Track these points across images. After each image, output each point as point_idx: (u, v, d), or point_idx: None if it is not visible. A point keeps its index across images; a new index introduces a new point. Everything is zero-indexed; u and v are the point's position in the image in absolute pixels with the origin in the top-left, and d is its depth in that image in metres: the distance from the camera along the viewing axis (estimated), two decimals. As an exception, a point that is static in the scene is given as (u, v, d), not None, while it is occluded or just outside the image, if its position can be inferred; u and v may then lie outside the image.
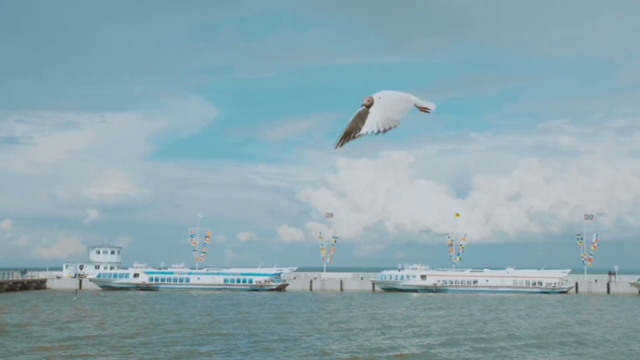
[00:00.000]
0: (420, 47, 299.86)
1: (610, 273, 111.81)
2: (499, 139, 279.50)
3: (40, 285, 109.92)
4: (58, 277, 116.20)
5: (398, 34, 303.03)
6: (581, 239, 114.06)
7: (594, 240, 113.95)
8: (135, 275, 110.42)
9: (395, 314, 60.08)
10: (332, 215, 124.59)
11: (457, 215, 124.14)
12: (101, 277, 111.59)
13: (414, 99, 10.54)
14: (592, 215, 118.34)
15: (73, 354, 32.22)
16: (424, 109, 10.74)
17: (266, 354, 32.84)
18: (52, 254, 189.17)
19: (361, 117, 10.46)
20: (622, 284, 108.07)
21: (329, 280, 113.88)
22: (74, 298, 79.95)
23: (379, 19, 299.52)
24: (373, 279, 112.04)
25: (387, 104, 10.08)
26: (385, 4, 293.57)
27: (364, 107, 10.20)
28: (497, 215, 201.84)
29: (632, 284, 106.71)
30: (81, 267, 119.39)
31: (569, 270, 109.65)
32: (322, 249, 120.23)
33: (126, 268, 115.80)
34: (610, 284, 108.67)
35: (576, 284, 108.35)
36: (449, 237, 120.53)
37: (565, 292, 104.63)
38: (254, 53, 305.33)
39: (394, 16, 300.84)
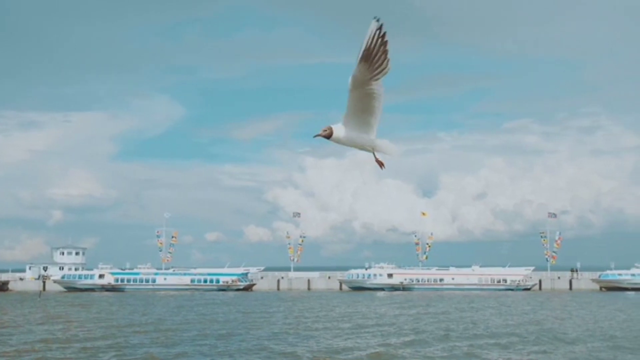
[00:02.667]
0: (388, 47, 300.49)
1: (572, 270, 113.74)
2: (465, 139, 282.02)
3: (2, 287, 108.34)
4: (21, 279, 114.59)
5: (366, 33, 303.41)
6: (545, 237, 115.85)
7: (557, 238, 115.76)
8: (101, 276, 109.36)
9: (361, 312, 60.39)
10: (299, 214, 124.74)
11: (424, 214, 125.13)
12: (65, 279, 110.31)
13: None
14: (556, 214, 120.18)
15: (40, 358, 31.91)
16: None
17: (233, 355, 32.86)
18: (15, 256, 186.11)
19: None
20: (584, 280, 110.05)
21: (296, 279, 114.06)
22: (38, 300, 79.01)
23: (347, 18, 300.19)
24: (340, 278, 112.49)
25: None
26: (353, 3, 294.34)
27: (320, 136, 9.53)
28: (463, 213, 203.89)
29: (594, 281, 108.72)
30: (45, 269, 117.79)
31: (532, 268, 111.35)
32: (289, 248, 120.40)
33: (91, 269, 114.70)
34: (573, 280, 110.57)
35: (540, 281, 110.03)
36: (415, 236, 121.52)
37: (529, 289, 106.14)
38: (221, 52, 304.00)
39: (362, 15, 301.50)
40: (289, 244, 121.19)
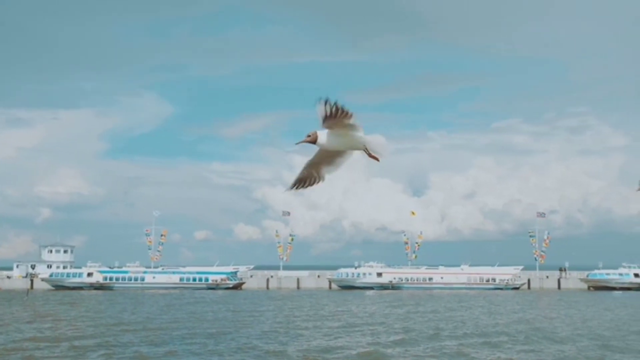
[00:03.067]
0: (377, 46, 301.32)
1: (561, 269, 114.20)
2: (455, 138, 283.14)
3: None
4: (8, 277, 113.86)
5: (356, 32, 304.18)
6: (533, 236, 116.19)
7: (545, 237, 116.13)
8: (89, 274, 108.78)
9: (351, 311, 60.41)
10: (288, 213, 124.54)
11: (413, 213, 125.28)
12: (53, 277, 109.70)
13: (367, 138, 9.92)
14: (544, 213, 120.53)
15: (28, 357, 31.73)
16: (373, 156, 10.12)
17: (223, 354, 32.81)
18: (2, 254, 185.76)
19: (317, 161, 10.04)
20: (572, 279, 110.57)
21: (285, 278, 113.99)
22: (25, 298, 78.63)
23: (337, 17, 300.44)
24: (330, 277, 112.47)
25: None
26: (344, 2, 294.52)
27: (308, 142, 9.61)
28: (452, 213, 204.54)
29: (582, 280, 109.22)
30: (33, 267, 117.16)
31: (521, 267, 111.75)
32: (278, 247, 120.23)
33: (79, 267, 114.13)
34: (561, 280, 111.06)
35: (528, 280, 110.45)
36: (404, 235, 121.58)
37: (517, 288, 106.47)
38: (210, 50, 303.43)
39: (351, 14, 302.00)
40: (279, 242, 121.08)
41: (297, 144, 9.67)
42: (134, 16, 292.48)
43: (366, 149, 9.77)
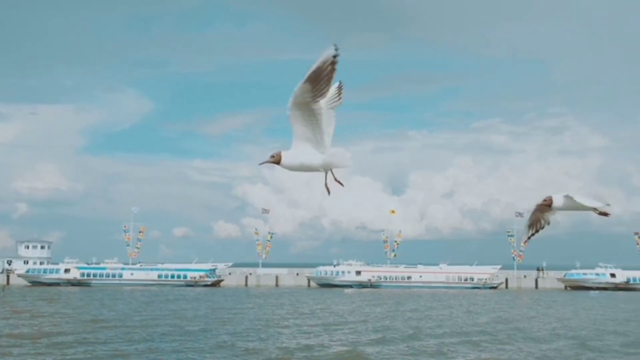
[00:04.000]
0: (358, 44, 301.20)
1: (538, 269, 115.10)
2: (435, 137, 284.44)
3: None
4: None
5: (336, 30, 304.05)
6: (512, 235, 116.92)
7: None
8: (66, 270, 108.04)
9: (329, 309, 60.44)
10: (268, 211, 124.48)
11: (393, 212, 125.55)
12: (30, 273, 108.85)
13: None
14: (523, 213, 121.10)
15: (5, 353, 31.41)
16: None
17: (202, 352, 32.70)
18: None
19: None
20: (550, 279, 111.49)
21: (264, 276, 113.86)
22: (1, 294, 77.87)
23: (319, 15, 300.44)
24: (308, 275, 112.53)
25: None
26: (325, 1, 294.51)
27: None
28: (432, 212, 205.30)
29: (559, 280, 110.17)
30: (9, 263, 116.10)
31: (499, 266, 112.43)
32: (257, 244, 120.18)
33: (57, 263, 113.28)
34: (539, 279, 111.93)
35: (506, 280, 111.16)
36: (384, 234, 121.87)
37: (495, 288, 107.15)
38: (191, 47, 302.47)
39: (333, 12, 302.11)
40: (258, 240, 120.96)
41: (260, 164, 9.63)
42: (114, 11, 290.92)
43: (329, 171, 9.65)
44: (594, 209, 10.53)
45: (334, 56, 8.19)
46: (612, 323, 50.27)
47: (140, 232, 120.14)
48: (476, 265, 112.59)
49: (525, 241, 10.97)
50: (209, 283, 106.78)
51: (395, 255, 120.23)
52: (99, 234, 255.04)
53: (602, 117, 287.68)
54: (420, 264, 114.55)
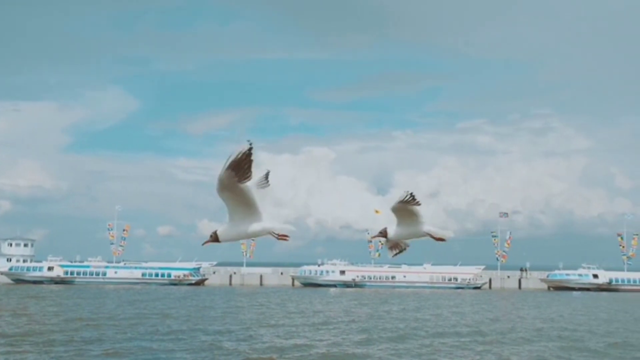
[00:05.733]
0: (343, 43, 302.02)
1: (522, 269, 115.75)
2: (420, 137, 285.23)
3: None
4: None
5: (321, 29, 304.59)
6: (495, 236, 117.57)
7: (507, 237, 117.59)
8: (50, 268, 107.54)
9: (313, 309, 60.51)
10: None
11: (377, 211, 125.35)
12: (13, 271, 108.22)
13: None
14: (507, 214, 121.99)
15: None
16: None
17: (188, 351, 32.70)
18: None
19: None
20: (533, 280, 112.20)
21: (248, 275, 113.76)
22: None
23: (302, 15, 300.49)
24: (293, 274, 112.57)
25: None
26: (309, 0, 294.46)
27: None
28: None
29: (542, 280, 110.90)
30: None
31: (483, 267, 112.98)
32: (242, 243, 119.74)
33: (40, 261, 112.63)
34: (522, 280, 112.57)
35: (490, 280, 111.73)
36: (368, 233, 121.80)
37: (479, 288, 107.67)
38: (175, 45, 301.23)
39: (317, 12, 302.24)
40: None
41: (203, 244, 10.37)
42: (98, 8, 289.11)
43: (272, 232, 10.13)
44: (429, 235, 11.20)
45: (249, 149, 9.03)
46: (595, 323, 50.69)
47: (124, 230, 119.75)
48: (460, 265, 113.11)
49: (393, 256, 11.40)
50: (193, 282, 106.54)
51: (379, 255, 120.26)
52: (82, 232, 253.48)
53: (586, 119, 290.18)
54: (405, 264, 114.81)
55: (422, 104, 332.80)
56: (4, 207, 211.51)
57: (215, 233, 9.78)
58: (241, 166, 9.13)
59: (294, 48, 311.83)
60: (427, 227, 10.72)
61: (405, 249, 11.01)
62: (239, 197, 9.40)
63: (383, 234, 10.66)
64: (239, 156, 9.07)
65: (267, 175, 10.50)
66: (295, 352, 33.03)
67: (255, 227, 9.57)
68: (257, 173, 9.55)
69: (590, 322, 51.71)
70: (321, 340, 37.71)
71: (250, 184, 9.61)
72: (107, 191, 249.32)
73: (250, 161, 9.12)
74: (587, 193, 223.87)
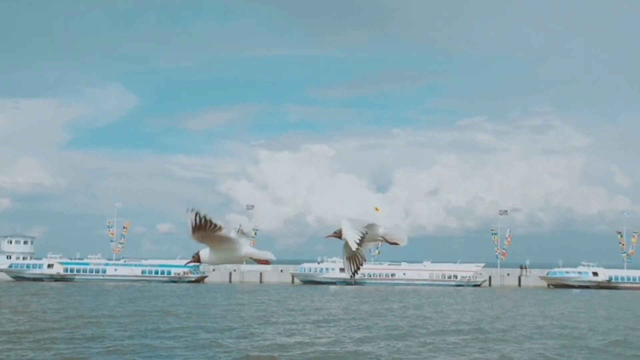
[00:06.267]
0: (342, 40, 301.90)
1: (521, 267, 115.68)
2: (419, 135, 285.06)
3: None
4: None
5: (321, 26, 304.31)
6: (495, 233, 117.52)
7: (507, 235, 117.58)
8: (50, 265, 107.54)
9: (313, 306, 60.55)
10: (252, 207, 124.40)
11: (377, 209, 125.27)
12: (13, 268, 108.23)
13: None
14: (507, 211, 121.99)
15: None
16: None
17: (187, 349, 32.72)
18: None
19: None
20: (533, 277, 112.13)
21: (248, 272, 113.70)
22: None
23: (301, 12, 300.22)
24: (292, 272, 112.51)
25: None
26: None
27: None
28: (416, 209, 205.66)
29: (542, 278, 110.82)
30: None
31: (483, 264, 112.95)
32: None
33: (40, 259, 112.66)
34: (522, 277, 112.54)
35: (489, 278, 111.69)
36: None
37: (478, 285, 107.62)
38: (174, 42, 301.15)
39: (316, 9, 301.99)
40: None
41: (185, 265, 10.44)
42: (97, 5, 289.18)
43: (252, 257, 10.22)
44: (385, 240, 10.91)
45: (195, 214, 8.90)
46: (595, 321, 50.72)
47: (124, 227, 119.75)
48: (460, 263, 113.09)
49: (351, 276, 11.09)
50: (193, 279, 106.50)
51: (379, 253, 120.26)
52: (82, 229, 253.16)
53: (586, 116, 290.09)
54: (404, 261, 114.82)
55: (421, 102, 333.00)
56: (4, 205, 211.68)
57: (197, 254, 9.83)
58: (202, 225, 8.99)
59: (294, 45, 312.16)
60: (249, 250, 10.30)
61: (362, 263, 10.75)
62: (215, 241, 9.42)
63: (337, 234, 10.44)
64: (195, 223, 8.95)
65: (239, 231, 10.15)
66: (296, 350, 33.05)
67: (236, 253, 9.68)
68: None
69: (590, 320, 51.73)
70: (322, 338, 37.75)
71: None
72: (106, 188, 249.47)
73: (209, 221, 8.97)
74: (586, 191, 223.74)
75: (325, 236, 10.52)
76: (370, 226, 10.53)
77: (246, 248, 9.84)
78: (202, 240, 9.30)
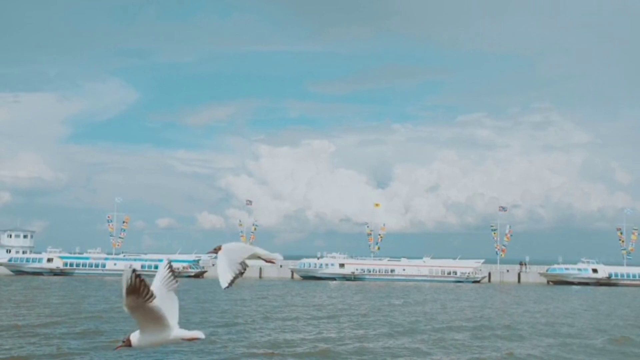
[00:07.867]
0: (342, 36, 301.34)
1: (521, 263, 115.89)
2: (419, 131, 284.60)
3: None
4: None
5: (321, 22, 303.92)
6: (495, 230, 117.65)
7: (507, 231, 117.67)
8: (49, 260, 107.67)
9: (312, 302, 60.56)
10: (252, 202, 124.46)
11: (377, 205, 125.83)
12: (13, 262, 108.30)
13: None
14: (506, 207, 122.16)
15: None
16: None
17: (185, 345, 32.63)
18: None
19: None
20: (532, 274, 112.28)
21: (248, 267, 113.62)
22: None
23: (302, 7, 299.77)
24: (292, 267, 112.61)
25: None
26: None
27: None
28: (416, 205, 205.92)
29: (541, 274, 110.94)
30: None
31: (482, 260, 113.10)
32: (241, 236, 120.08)
33: (40, 253, 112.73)
34: (521, 274, 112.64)
35: (489, 274, 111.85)
36: (368, 227, 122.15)
37: (478, 282, 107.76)
38: (175, 37, 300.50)
39: (317, 4, 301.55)
40: (242, 232, 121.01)
41: (115, 349, 10.46)
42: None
43: (183, 339, 10.25)
44: (262, 258, 10.64)
45: (134, 271, 8.88)
46: (595, 318, 50.73)
47: (124, 222, 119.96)
48: (459, 259, 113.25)
49: (227, 287, 10.71)
50: (192, 274, 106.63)
51: (379, 248, 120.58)
52: (82, 223, 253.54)
53: (586, 113, 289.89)
54: (404, 257, 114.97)
55: (421, 97, 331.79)
56: (4, 199, 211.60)
57: (128, 339, 9.74)
58: (137, 289, 8.95)
59: (294, 40, 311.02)
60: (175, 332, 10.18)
61: (242, 272, 10.57)
62: (148, 315, 9.31)
63: (216, 250, 10.40)
64: (128, 283, 8.88)
65: (172, 271, 10.32)
66: (296, 345, 33.03)
67: (166, 336, 9.67)
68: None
69: (590, 317, 51.75)
70: (322, 333, 37.72)
71: (159, 292, 9.62)
72: (106, 183, 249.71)
73: (142, 282, 8.92)
74: (586, 187, 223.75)
75: (207, 252, 10.66)
76: (252, 251, 10.44)
77: (176, 331, 9.75)
78: (133, 310, 9.21)
